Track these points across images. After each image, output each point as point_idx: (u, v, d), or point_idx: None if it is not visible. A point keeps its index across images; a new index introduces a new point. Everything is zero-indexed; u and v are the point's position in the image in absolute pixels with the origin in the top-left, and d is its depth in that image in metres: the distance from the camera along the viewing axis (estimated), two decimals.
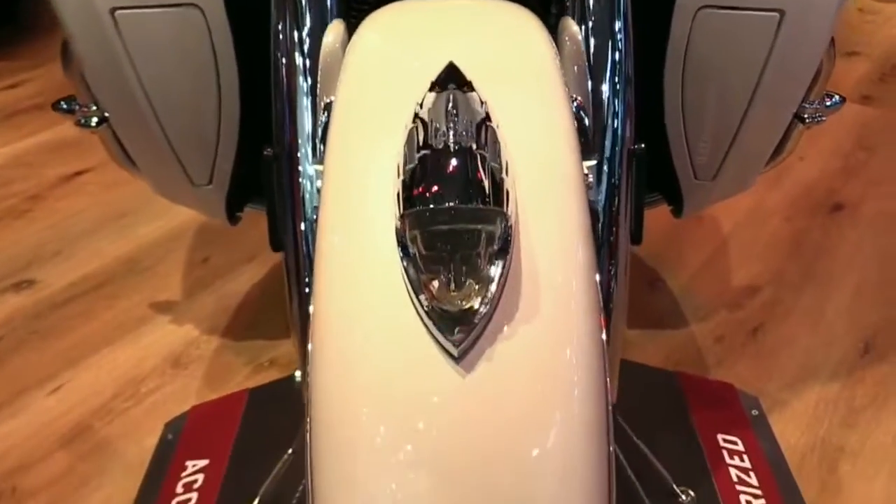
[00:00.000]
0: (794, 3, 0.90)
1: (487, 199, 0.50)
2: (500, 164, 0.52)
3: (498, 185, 0.50)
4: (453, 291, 0.47)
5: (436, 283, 0.48)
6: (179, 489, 1.17)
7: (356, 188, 0.60)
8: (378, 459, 0.47)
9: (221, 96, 0.96)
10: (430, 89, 0.58)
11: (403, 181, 0.51)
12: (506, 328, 0.49)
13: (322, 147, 0.78)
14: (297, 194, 0.76)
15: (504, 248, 0.49)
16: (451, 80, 0.57)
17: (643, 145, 0.80)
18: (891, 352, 1.49)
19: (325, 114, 0.77)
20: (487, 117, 0.55)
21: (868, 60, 2.82)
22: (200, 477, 1.18)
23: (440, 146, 0.52)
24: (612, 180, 0.77)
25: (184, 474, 1.19)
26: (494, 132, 0.54)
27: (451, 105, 0.55)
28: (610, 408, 0.55)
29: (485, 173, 0.50)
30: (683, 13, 0.92)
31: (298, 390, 0.83)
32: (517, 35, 0.70)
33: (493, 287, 0.48)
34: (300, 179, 0.76)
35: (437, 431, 0.47)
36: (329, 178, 0.62)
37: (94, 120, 1.04)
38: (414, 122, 0.55)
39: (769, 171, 1.18)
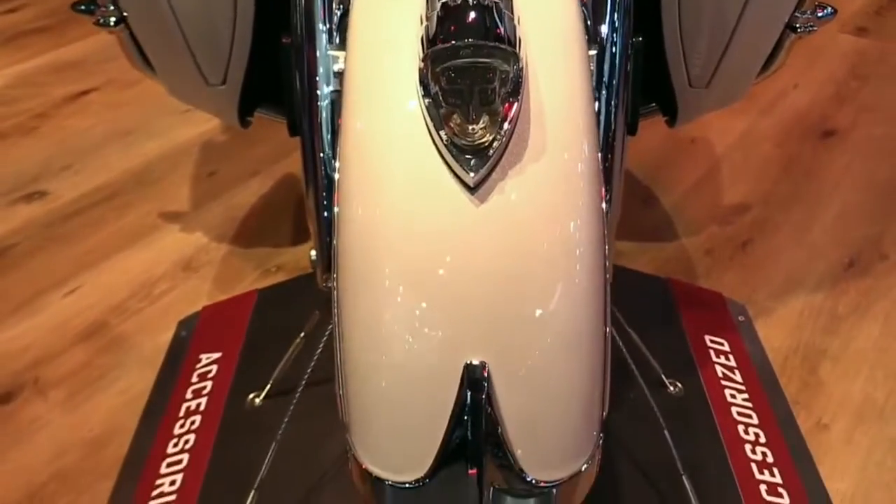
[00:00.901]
0: None
1: (503, 41, 0.55)
2: (514, 15, 0.57)
3: (512, 31, 0.55)
4: (471, 125, 0.53)
5: (455, 118, 0.53)
6: (195, 378, 1.23)
7: (378, 59, 0.65)
8: (399, 283, 0.53)
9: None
10: None
11: (427, 27, 0.56)
12: (517, 164, 0.54)
13: (338, 34, 0.82)
14: (315, 78, 0.80)
15: (516, 89, 0.54)
16: None
17: (640, 38, 0.84)
18: (873, 266, 1.56)
19: (342, 2, 0.81)
20: None
21: None
22: (214, 368, 1.25)
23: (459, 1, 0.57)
24: (612, 70, 0.82)
25: (198, 366, 1.26)
26: None
27: None
28: (609, 263, 0.61)
29: (500, 22, 0.55)
30: None
31: (312, 272, 0.89)
32: None
33: (506, 125, 0.53)
34: (318, 64, 0.80)
35: (453, 257, 0.52)
36: (353, 51, 0.66)
37: (113, 20, 1.07)
38: None
39: (764, 91, 1.22)
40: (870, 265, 1.56)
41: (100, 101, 2.13)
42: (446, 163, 0.54)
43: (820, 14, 1.14)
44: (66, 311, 1.43)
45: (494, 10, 0.55)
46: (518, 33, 0.56)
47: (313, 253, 0.87)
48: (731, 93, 1.19)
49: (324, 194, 0.82)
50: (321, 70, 0.80)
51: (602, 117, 0.82)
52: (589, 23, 0.83)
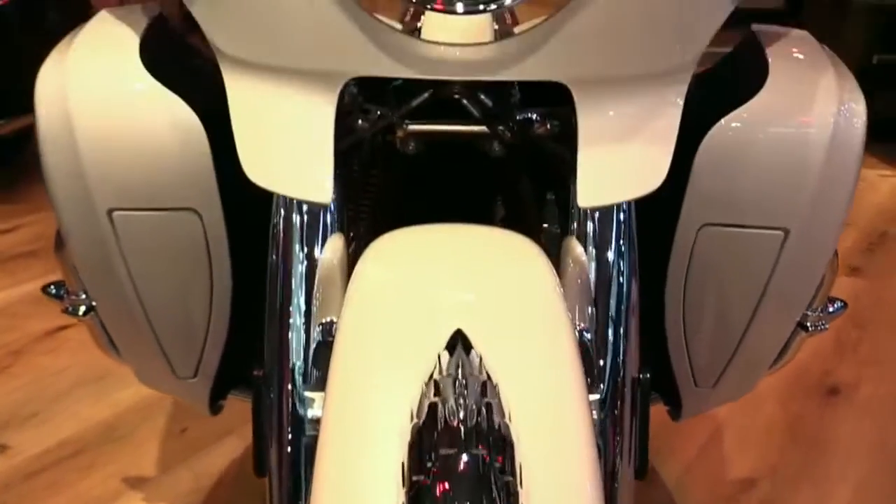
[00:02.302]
0: (798, 222, 0.90)
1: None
2: (514, 470, 0.50)
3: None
4: None
5: None
6: None
7: (359, 434, 0.57)
8: None
9: (213, 297, 0.94)
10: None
11: (408, 465, 0.50)
12: None
13: (315, 370, 0.75)
14: (287, 420, 0.72)
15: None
16: (458, 343, 0.56)
17: (648, 375, 0.77)
18: None
19: (321, 335, 0.75)
20: (491, 381, 0.54)
21: (855, 229, 2.85)
22: None
23: (445, 424, 0.50)
24: (617, 412, 0.75)
25: None
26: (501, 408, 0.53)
27: (459, 377, 0.53)
28: None
29: (494, 483, 0.48)
30: (686, 230, 0.91)
31: None
32: (521, 269, 0.69)
33: None
34: (292, 405, 0.72)
35: None
36: (330, 416, 0.59)
37: (82, 309, 1.02)
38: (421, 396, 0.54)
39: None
40: None
41: (76, 339, 2.05)
42: None
43: (831, 310, 1.10)
44: None
45: (491, 471, 0.49)
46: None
47: None
48: (738, 390, 1.12)
49: None
50: (295, 411, 0.72)
51: (606, 465, 0.74)
52: (592, 351, 0.77)
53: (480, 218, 0.98)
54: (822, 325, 1.07)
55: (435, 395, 0.55)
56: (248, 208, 0.84)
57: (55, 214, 0.92)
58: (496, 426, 0.53)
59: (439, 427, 0.53)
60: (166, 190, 0.85)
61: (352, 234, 0.92)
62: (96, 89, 0.84)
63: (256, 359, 0.79)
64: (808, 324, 1.05)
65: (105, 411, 1.76)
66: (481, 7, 0.63)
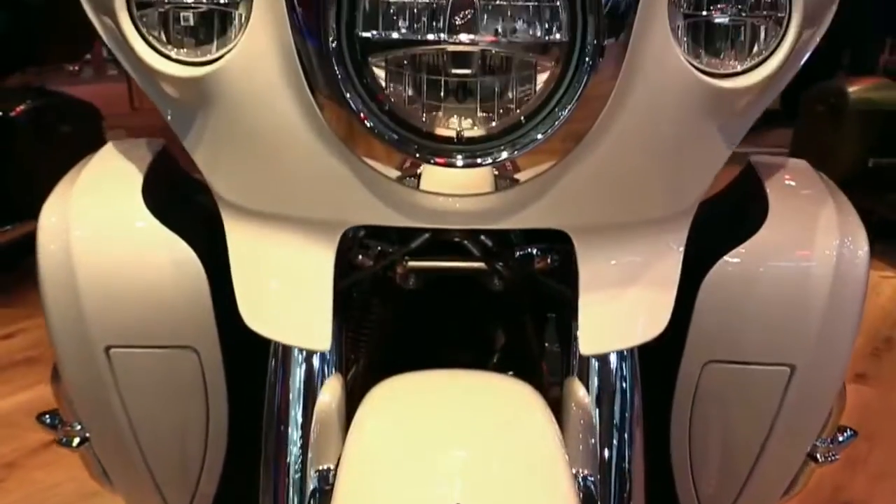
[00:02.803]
0: (804, 358, 0.89)
1: None
2: None
3: None
4: None
5: None
6: None
7: None
8: None
9: (209, 433, 0.92)
10: None
11: None
12: None
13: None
14: None
15: None
16: None
17: None
18: None
19: (317, 482, 0.73)
20: None
21: (859, 334, 2.81)
22: None
23: None
24: None
25: None
26: None
27: None
28: None
29: None
30: (690, 367, 0.90)
31: None
32: (521, 427, 0.68)
33: None
34: None
35: None
36: None
37: (76, 440, 1.01)
38: None
39: None
40: None
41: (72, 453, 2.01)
42: None
43: (841, 439, 1.07)
44: None
45: None
46: None
47: None
48: None
49: None
50: None
51: None
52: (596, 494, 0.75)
53: (480, 350, 0.97)
54: (833, 456, 1.05)
55: None
56: (245, 346, 0.83)
57: (52, 348, 0.91)
58: None
59: None
60: (165, 328, 0.84)
61: (350, 363, 0.91)
62: (98, 226, 0.84)
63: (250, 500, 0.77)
64: (818, 455, 1.03)
65: None
66: (479, 161, 0.64)
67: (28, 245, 3.01)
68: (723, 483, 1.00)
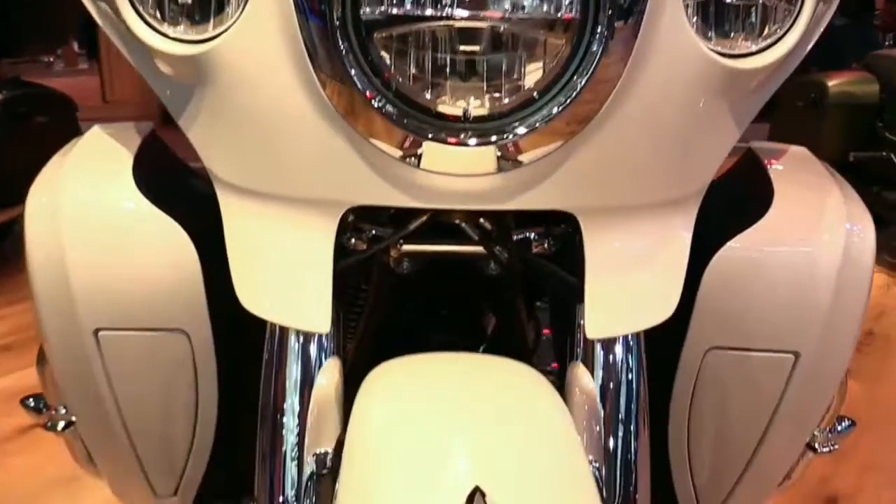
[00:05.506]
0: (809, 345, 0.87)
1: None
2: None
3: None
4: None
5: None
6: None
7: None
8: None
9: (198, 417, 0.90)
10: None
11: None
12: None
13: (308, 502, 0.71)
14: None
15: None
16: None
17: None
18: None
19: (314, 466, 0.71)
20: None
21: None
22: None
23: None
24: None
25: None
26: None
27: None
28: None
29: None
30: (692, 352, 0.88)
31: None
32: (533, 409, 0.66)
33: None
34: None
35: None
36: None
37: (61, 424, 0.98)
38: None
39: None
40: None
41: (50, 438, 1.97)
42: None
43: (840, 428, 1.07)
44: None
45: None
46: None
47: None
48: None
49: None
50: None
51: None
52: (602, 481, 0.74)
53: (472, 335, 0.95)
54: (832, 446, 1.04)
55: None
56: (236, 329, 0.81)
57: (39, 331, 0.88)
58: None
59: None
60: (155, 311, 0.82)
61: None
62: (87, 208, 0.81)
63: (247, 487, 0.75)
64: (817, 445, 1.02)
65: None
66: (493, 139, 0.61)
67: (2, 233, 2.99)
68: (720, 472, 0.99)
